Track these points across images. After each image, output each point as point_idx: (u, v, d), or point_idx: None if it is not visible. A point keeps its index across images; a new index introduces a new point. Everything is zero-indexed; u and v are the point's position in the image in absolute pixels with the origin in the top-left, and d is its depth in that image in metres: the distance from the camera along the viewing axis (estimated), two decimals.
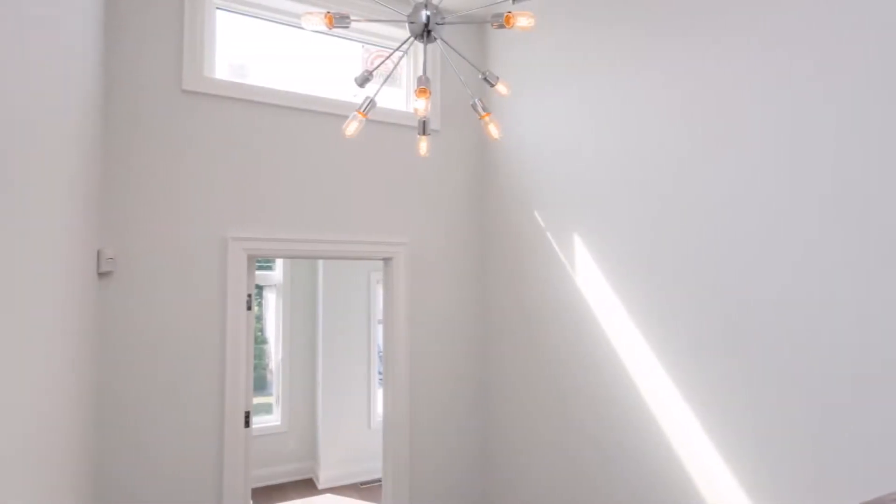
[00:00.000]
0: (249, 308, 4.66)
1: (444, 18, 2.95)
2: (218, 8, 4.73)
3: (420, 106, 3.01)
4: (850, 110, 2.64)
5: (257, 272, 6.22)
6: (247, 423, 4.59)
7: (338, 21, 2.74)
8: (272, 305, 8.80)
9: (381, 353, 7.82)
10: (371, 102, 3.10)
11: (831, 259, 2.69)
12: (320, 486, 8.06)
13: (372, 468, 8.08)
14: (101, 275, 4.07)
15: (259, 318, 8.86)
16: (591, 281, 4.23)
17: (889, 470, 2.47)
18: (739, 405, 3.14)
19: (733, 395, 3.17)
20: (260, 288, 8.71)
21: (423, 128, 3.40)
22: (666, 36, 3.65)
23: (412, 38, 3.01)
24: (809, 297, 2.79)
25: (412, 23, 2.92)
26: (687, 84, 3.50)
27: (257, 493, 7.75)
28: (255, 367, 5.24)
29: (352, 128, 3.10)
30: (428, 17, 2.88)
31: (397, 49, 3.19)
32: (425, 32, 2.93)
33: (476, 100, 3.19)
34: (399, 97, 5.65)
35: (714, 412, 3.29)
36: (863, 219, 2.57)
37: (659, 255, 3.68)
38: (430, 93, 2.92)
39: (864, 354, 2.55)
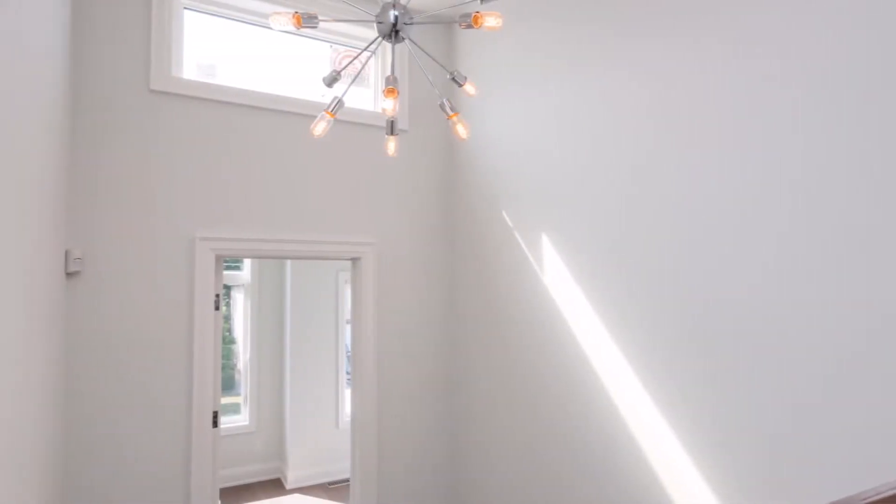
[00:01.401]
0: (217, 308, 4.63)
1: (412, 18, 2.95)
2: (186, 8, 4.69)
3: (388, 106, 3.01)
4: (815, 109, 2.66)
5: (225, 272, 6.20)
6: (215, 423, 4.56)
7: (306, 21, 2.73)
8: (240, 305, 8.75)
9: (349, 353, 7.81)
10: (339, 102, 3.09)
11: (799, 259, 2.72)
12: (288, 486, 8.03)
13: (340, 468, 8.05)
14: (69, 275, 4.02)
15: (227, 318, 8.81)
16: (559, 280, 4.24)
17: (857, 469, 2.50)
18: (707, 405, 3.16)
19: (701, 395, 3.19)
20: (228, 288, 8.66)
21: (392, 128, 3.40)
22: (633, 36, 3.67)
23: (380, 38, 3.01)
24: (777, 297, 2.81)
25: (380, 23, 2.92)
26: (654, 84, 3.51)
27: (225, 493, 7.70)
28: (223, 367, 5.22)
29: (320, 128, 3.08)
30: (396, 17, 2.88)
31: (365, 49, 3.18)
32: (393, 32, 2.93)
33: (444, 100, 3.19)
34: (367, 97, 5.64)
35: (682, 412, 3.31)
36: (830, 220, 2.60)
37: (626, 255, 3.69)
38: (398, 93, 2.92)
39: (831, 354, 2.57)
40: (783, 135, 2.78)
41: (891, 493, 1.08)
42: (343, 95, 3.13)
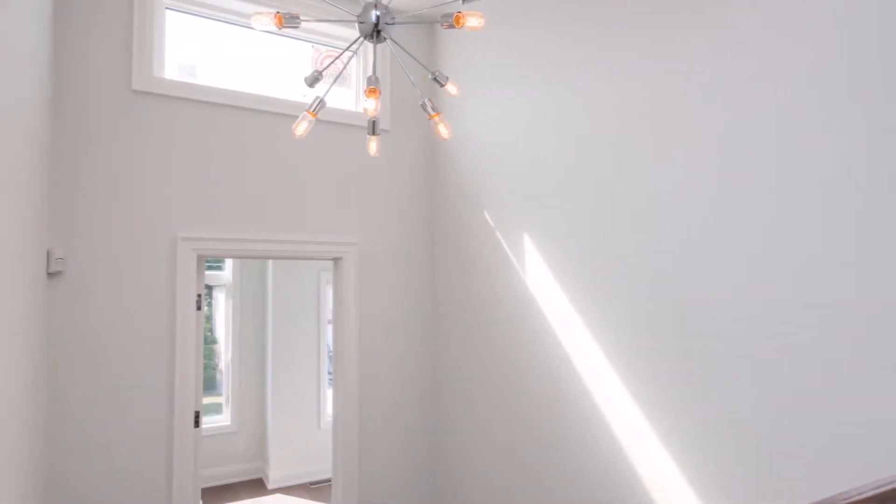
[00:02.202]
0: (199, 308, 4.60)
1: (393, 18, 2.94)
2: (168, 8, 4.67)
3: (370, 106, 2.99)
4: (792, 108, 2.67)
5: (207, 272, 6.17)
6: (196, 423, 4.54)
7: (287, 21, 2.71)
8: (222, 305, 8.73)
9: (331, 354, 7.79)
10: (321, 102, 3.07)
11: (782, 259, 2.72)
12: (270, 486, 8.00)
13: (321, 468, 8.02)
14: (51, 275, 3.99)
15: (209, 318, 8.79)
16: (541, 281, 4.24)
17: (839, 469, 2.50)
18: (689, 405, 3.16)
19: (683, 396, 3.20)
20: (210, 288, 8.63)
21: (373, 128, 3.38)
22: (615, 36, 3.67)
23: (362, 38, 3.00)
24: (761, 296, 2.82)
25: (362, 23, 2.91)
26: (636, 83, 3.52)
27: (207, 493, 7.66)
28: (205, 367, 5.20)
29: (301, 128, 3.07)
30: (377, 17, 2.87)
31: (347, 49, 3.17)
32: (375, 32, 2.92)
33: (426, 100, 3.18)
34: (349, 97, 5.63)
35: (663, 411, 3.31)
36: (812, 219, 2.61)
37: (609, 254, 3.69)
38: (379, 93, 2.91)
39: (815, 355, 2.58)
40: (765, 135, 2.79)
41: (872, 493, 1.08)
42: (325, 95, 3.11)
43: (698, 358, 3.10)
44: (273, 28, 2.71)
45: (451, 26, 2.79)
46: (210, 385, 8.65)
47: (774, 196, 2.75)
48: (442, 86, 3.12)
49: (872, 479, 1.14)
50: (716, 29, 3.03)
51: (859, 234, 2.42)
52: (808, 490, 2.61)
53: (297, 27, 2.77)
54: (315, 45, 5.60)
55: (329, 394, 8.29)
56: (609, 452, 3.66)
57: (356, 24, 2.94)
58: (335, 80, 3.30)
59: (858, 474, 2.38)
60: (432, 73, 3.10)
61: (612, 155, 3.68)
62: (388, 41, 3.02)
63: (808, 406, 2.60)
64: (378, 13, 2.87)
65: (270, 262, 8.27)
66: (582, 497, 3.87)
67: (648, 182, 3.42)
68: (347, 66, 3.16)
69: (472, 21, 2.75)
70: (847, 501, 1.12)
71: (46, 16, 3.72)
